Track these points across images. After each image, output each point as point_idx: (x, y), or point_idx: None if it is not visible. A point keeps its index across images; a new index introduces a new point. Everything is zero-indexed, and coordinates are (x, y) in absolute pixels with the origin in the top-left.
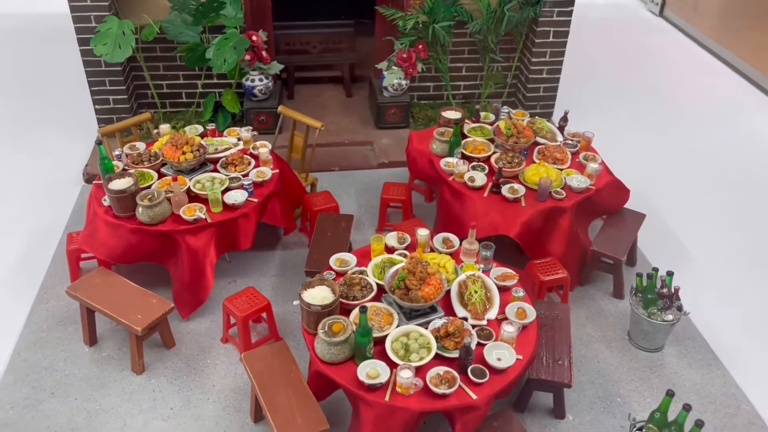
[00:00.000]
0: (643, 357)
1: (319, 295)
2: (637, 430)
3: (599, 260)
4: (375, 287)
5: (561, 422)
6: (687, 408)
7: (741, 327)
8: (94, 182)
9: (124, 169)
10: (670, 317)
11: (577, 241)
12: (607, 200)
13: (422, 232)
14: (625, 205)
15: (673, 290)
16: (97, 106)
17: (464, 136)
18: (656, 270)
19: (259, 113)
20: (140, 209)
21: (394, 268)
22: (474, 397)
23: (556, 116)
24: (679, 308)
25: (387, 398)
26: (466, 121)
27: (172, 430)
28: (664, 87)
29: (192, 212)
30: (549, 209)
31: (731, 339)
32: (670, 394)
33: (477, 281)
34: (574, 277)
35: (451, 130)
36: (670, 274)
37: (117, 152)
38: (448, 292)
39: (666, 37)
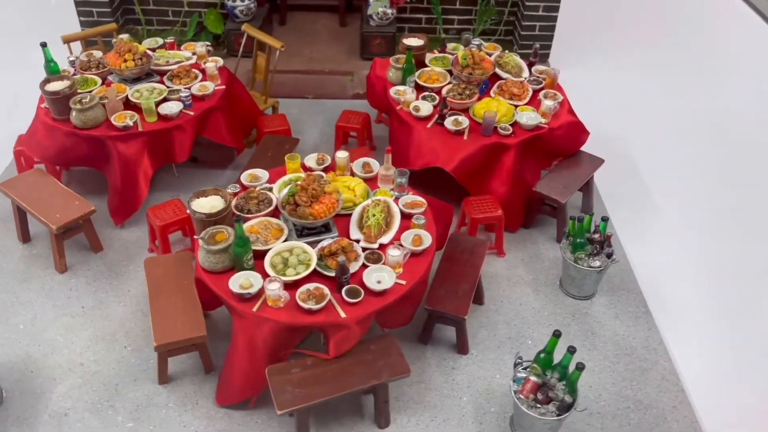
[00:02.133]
0: (570, 303)
1: (208, 204)
2: (522, 369)
3: (544, 203)
4: (274, 203)
5: (461, 357)
6: (572, 350)
7: (686, 286)
8: None
9: (75, 73)
10: (597, 264)
11: (521, 181)
12: (562, 141)
13: (341, 155)
14: (594, 151)
15: (605, 236)
16: (81, 18)
17: (424, 66)
18: (591, 215)
19: (240, 35)
20: (73, 113)
21: (293, 182)
22: (342, 315)
23: (554, 58)
24: (609, 255)
25: (255, 309)
26: (432, 51)
27: (78, 327)
28: (682, 32)
29: (122, 119)
30: (492, 145)
31: (672, 296)
32: (556, 334)
33: (378, 205)
34: (517, 218)
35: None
36: (605, 219)
37: (71, 58)
38: (352, 214)
39: None
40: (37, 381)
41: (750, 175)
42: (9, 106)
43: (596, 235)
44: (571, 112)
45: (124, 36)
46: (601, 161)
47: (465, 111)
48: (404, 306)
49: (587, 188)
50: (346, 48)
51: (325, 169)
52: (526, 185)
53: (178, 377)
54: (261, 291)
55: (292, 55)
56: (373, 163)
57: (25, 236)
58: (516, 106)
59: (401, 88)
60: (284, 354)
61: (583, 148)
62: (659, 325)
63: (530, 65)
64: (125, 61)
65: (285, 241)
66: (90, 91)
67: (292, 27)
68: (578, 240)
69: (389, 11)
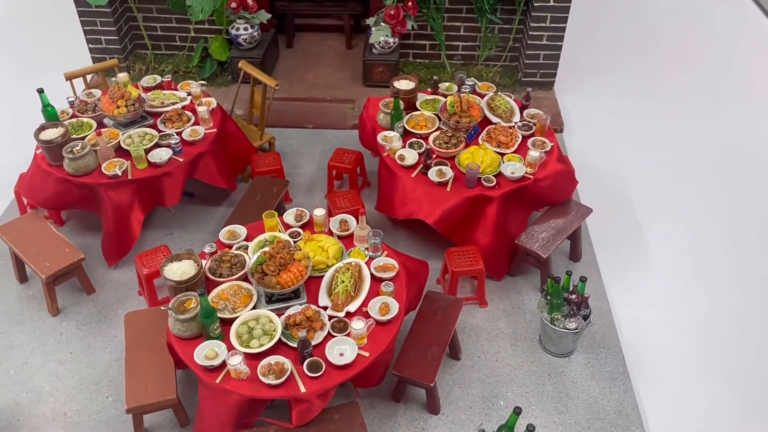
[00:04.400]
0: (547, 361)
1: (179, 270)
2: None
3: (527, 254)
4: (247, 266)
5: (432, 418)
6: (530, 429)
7: (670, 345)
8: None
9: (74, 115)
10: (573, 325)
11: (505, 231)
12: (548, 191)
13: (318, 213)
14: (589, 186)
15: (582, 298)
16: (90, 45)
17: (415, 109)
18: (569, 274)
19: None
20: (66, 160)
21: (262, 250)
22: (303, 390)
23: (559, 86)
24: (585, 317)
25: (218, 380)
26: (424, 91)
27: (65, 373)
28: (694, 59)
29: (112, 168)
30: (476, 197)
31: (653, 355)
32: (517, 411)
33: (348, 270)
34: (502, 267)
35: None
36: (583, 279)
37: (71, 98)
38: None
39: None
40: (21, 431)
41: (755, 225)
42: (14, 135)
43: (573, 296)
44: (560, 160)
45: (122, 76)
46: (588, 211)
47: (451, 159)
48: (373, 370)
49: (575, 236)
50: (349, 73)
51: (303, 226)
52: (510, 234)
53: (154, 431)
54: (225, 362)
55: (294, 81)
56: (351, 221)
57: (21, 277)
58: (503, 155)
59: (389, 134)
60: (250, 421)
61: (578, 185)
62: (636, 387)
63: (522, 108)
64: (118, 107)
65: (254, 307)
66: (83, 138)
67: (298, 49)
68: (555, 300)
69: (391, 40)
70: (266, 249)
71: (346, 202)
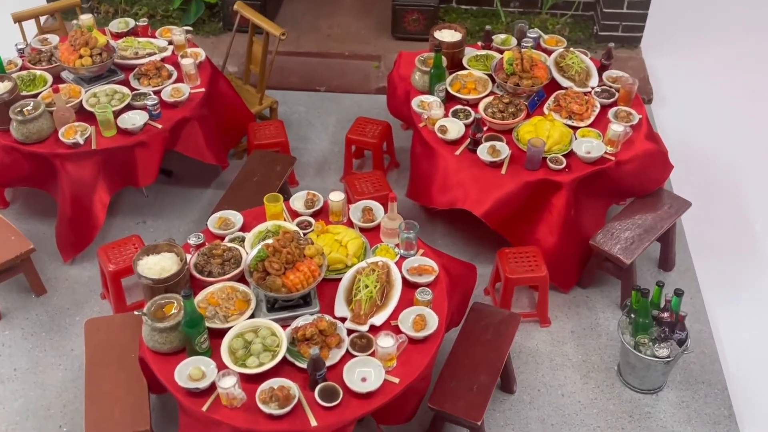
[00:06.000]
0: (629, 398)
1: (157, 265)
2: None
3: (605, 258)
4: (243, 263)
5: None
6: None
7: None
8: None
9: (24, 67)
10: (665, 352)
11: (577, 228)
12: (633, 177)
13: (335, 197)
14: (689, 175)
15: (677, 317)
16: None
17: (461, 67)
18: (660, 285)
19: None
20: (14, 123)
21: (264, 242)
22: (313, 423)
23: (647, 44)
24: (680, 342)
25: (205, 408)
26: (473, 45)
27: (6, 396)
28: None
29: (72, 134)
30: (539, 182)
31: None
32: None
33: (374, 272)
34: (571, 275)
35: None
36: (678, 294)
37: (21, 45)
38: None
39: None
40: None
41: None
42: None
43: (665, 314)
44: (650, 137)
45: (85, 18)
46: (686, 205)
47: (507, 133)
48: (403, 401)
49: (667, 237)
50: (374, 22)
51: (315, 214)
52: (583, 233)
53: None
54: (214, 384)
55: (303, 31)
56: (378, 209)
57: None
58: (575, 129)
59: (427, 98)
60: None
61: (668, 180)
62: None
63: (601, 69)
64: (81, 57)
65: (252, 316)
66: (36, 95)
67: None
68: (642, 319)
69: None
70: (269, 242)
71: (369, 186)
